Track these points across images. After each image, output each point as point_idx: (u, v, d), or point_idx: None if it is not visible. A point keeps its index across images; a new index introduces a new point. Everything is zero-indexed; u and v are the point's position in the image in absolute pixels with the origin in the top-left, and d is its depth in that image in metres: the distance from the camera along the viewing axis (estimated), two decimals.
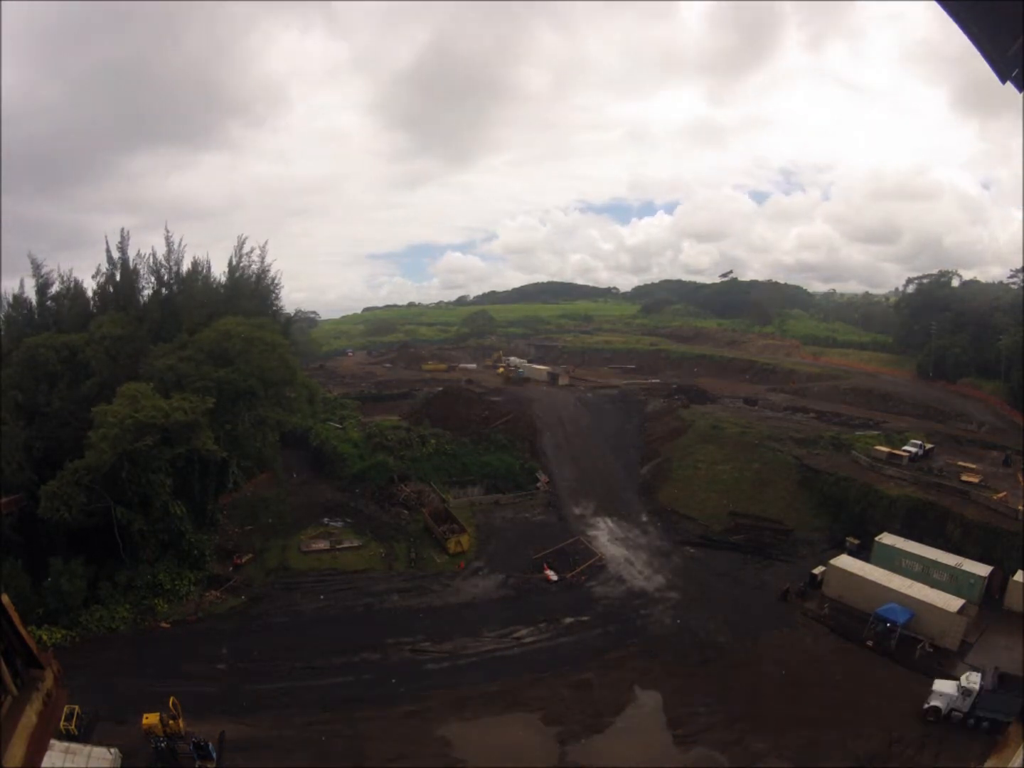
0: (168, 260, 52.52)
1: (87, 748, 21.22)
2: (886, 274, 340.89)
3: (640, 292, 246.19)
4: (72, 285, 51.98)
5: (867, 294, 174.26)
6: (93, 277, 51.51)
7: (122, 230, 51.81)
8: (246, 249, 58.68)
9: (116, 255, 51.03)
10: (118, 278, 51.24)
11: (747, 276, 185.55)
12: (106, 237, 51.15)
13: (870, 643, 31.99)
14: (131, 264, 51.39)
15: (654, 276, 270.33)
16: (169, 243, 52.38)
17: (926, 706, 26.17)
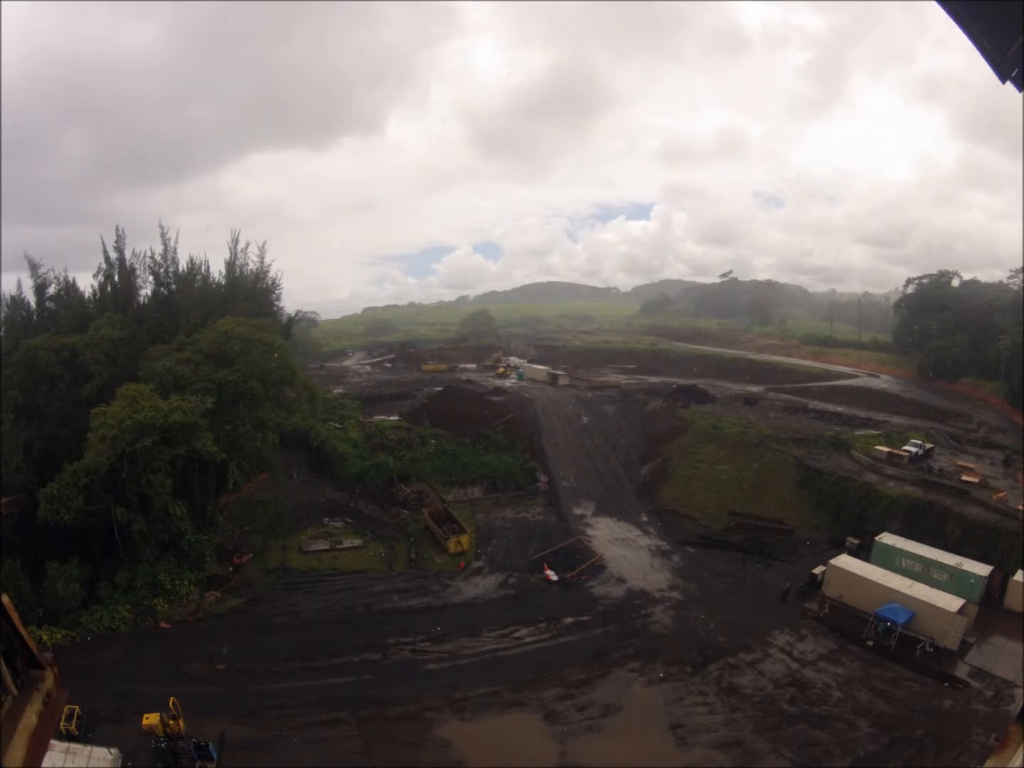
0: (165, 259, 52.51)
1: (87, 748, 21.21)
2: (891, 276, 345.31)
3: (640, 292, 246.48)
4: (69, 286, 51.87)
5: (867, 294, 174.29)
6: (94, 276, 51.47)
7: (117, 228, 51.66)
8: (242, 247, 58.74)
9: (113, 255, 50.96)
10: (116, 278, 51.18)
11: (748, 276, 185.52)
12: (102, 237, 51.01)
13: (870, 643, 32.01)
14: (128, 264, 51.30)
15: (664, 276, 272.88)
16: (165, 241, 52.32)
17: None
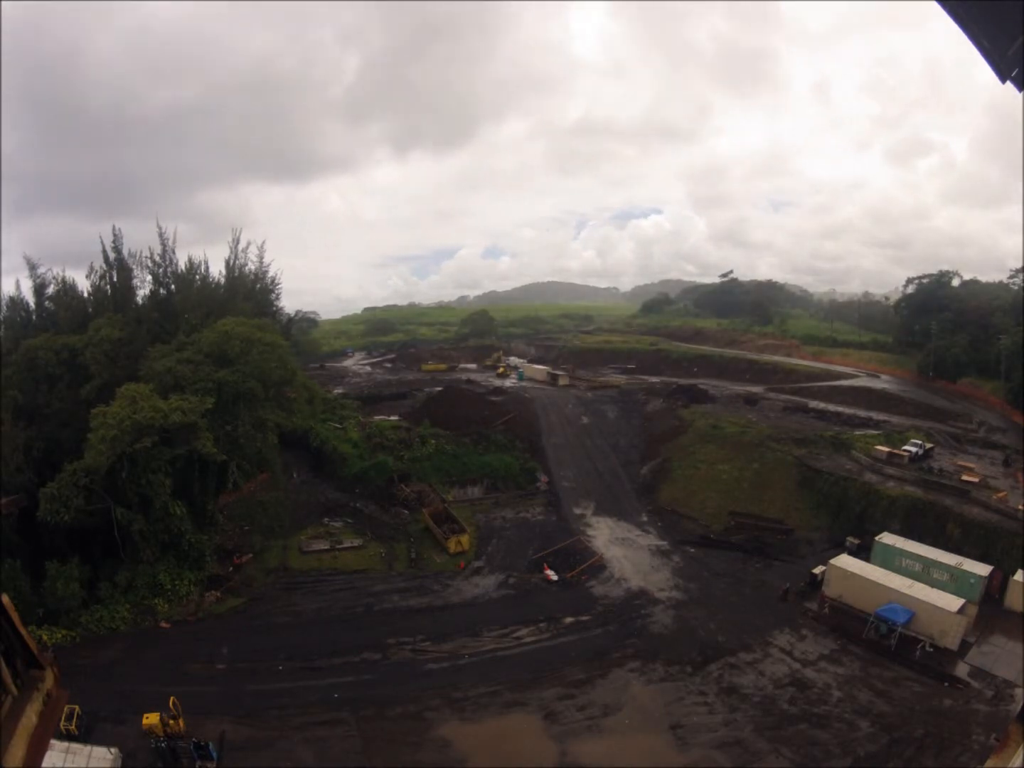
0: (164, 260, 52.42)
1: (87, 748, 21.22)
2: (891, 276, 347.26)
3: (640, 292, 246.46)
4: (67, 286, 51.80)
5: (867, 294, 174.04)
6: (87, 277, 51.43)
7: (113, 227, 51.51)
8: (243, 246, 58.76)
9: (112, 255, 50.86)
10: (115, 278, 51.11)
11: (750, 276, 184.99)
12: (100, 236, 50.87)
13: (870, 642, 31.98)
14: (126, 263, 51.20)
15: (666, 276, 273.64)
16: (163, 240, 52.20)
17: None
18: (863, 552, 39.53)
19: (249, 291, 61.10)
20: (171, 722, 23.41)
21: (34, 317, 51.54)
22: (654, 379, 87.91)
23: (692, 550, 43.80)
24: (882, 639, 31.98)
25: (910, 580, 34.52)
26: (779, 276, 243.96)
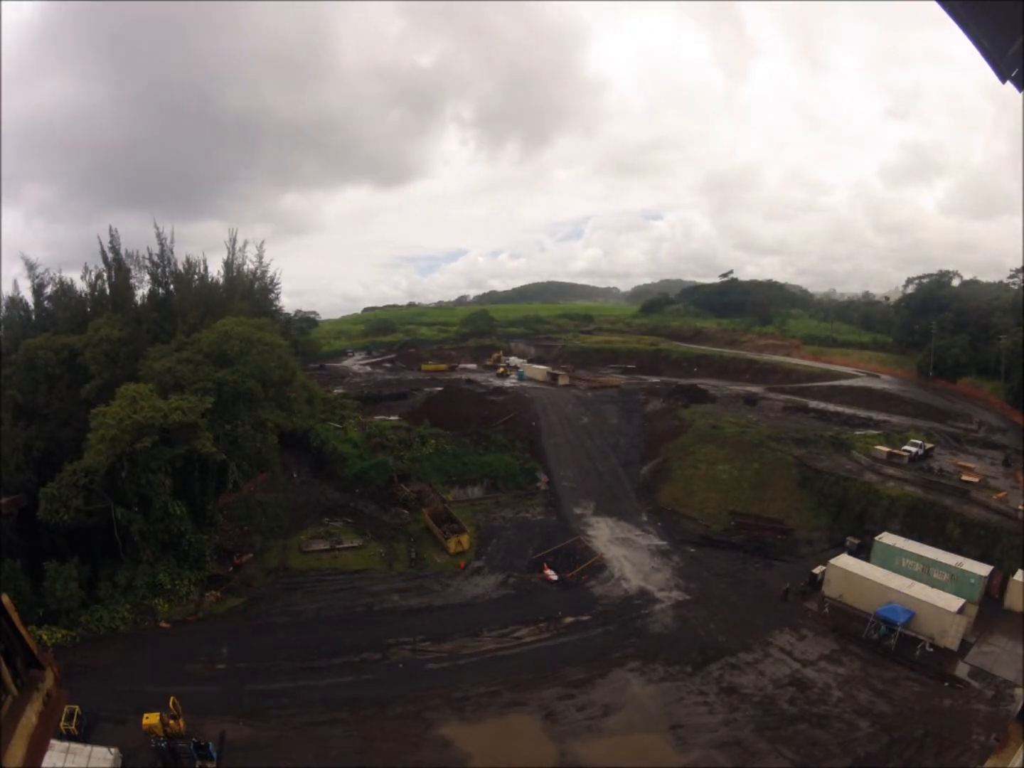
0: (162, 259, 52.46)
1: (87, 748, 21.25)
2: (891, 276, 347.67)
3: (640, 292, 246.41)
4: (66, 287, 51.84)
5: (867, 294, 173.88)
6: (82, 278, 51.49)
7: (110, 227, 51.53)
8: (240, 246, 58.82)
9: (110, 255, 50.89)
10: (113, 278, 51.13)
11: (749, 276, 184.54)
12: (99, 236, 50.90)
13: (873, 638, 31.98)
14: (124, 263, 51.22)
15: (685, 277, 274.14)
16: (161, 239, 52.23)
17: None
18: (863, 552, 39.56)
19: (247, 290, 61.15)
20: (171, 722, 23.42)
21: (33, 317, 51.57)
22: (654, 379, 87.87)
23: (692, 550, 43.79)
24: (882, 639, 31.99)
25: (910, 580, 34.54)
26: (775, 275, 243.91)
